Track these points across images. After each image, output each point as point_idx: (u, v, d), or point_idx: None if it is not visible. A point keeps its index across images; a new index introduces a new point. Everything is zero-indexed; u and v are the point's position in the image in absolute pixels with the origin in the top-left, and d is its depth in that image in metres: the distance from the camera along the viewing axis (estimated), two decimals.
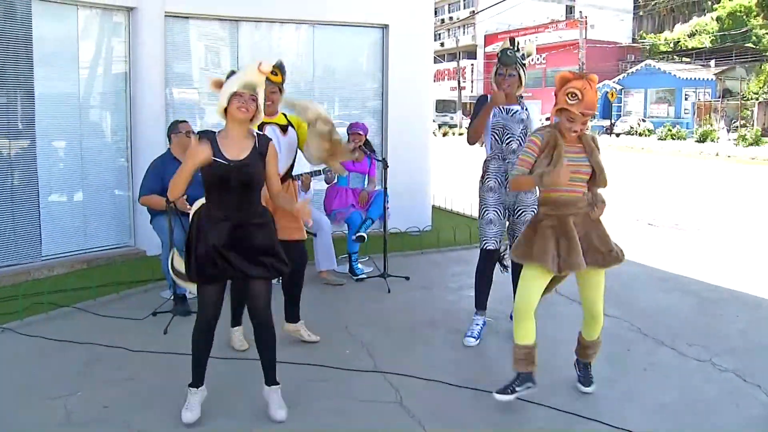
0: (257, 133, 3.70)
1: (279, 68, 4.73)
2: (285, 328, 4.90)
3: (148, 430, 3.71)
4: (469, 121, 5.15)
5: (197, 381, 3.79)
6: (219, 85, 3.63)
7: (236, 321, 4.87)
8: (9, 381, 4.31)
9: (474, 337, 5.01)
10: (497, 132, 4.96)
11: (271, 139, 3.78)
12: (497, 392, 3.91)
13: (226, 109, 3.56)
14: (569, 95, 3.74)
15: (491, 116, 4.94)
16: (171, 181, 3.65)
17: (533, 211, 4.74)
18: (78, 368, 4.49)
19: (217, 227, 3.59)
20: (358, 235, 6.58)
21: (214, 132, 3.63)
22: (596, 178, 3.89)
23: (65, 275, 6.70)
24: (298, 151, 4.94)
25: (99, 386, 4.22)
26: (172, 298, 5.61)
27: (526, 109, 5.03)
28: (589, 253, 3.86)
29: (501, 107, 4.94)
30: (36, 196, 6.80)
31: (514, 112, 4.96)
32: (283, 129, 4.82)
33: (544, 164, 3.78)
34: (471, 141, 5.15)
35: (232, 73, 3.63)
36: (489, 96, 5.01)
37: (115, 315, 5.55)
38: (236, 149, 3.57)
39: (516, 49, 4.92)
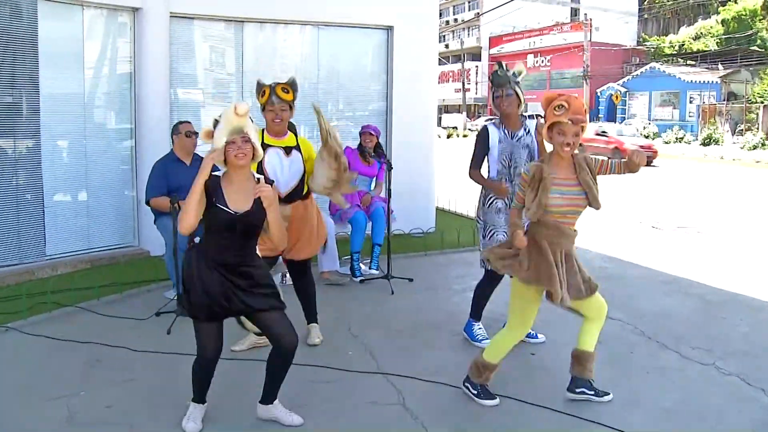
0: (258, 177, 3.61)
1: (290, 85, 4.71)
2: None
3: (150, 430, 3.71)
4: (472, 152, 5.07)
5: (200, 398, 3.78)
6: (210, 135, 3.55)
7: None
8: (12, 380, 4.32)
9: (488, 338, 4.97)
10: (504, 159, 4.91)
11: (272, 183, 3.68)
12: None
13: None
14: (556, 108, 3.75)
15: (498, 142, 4.90)
16: (180, 216, 3.55)
17: (505, 233, 4.80)
18: (81, 368, 4.50)
19: (214, 272, 3.51)
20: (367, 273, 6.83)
21: (218, 176, 3.56)
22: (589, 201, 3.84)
23: (69, 275, 6.70)
24: None
25: (102, 386, 4.23)
26: (175, 298, 5.61)
27: (530, 132, 4.94)
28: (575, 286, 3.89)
29: (506, 132, 4.89)
30: (40, 195, 6.82)
31: (519, 138, 4.89)
32: (287, 151, 4.80)
33: (530, 198, 3.78)
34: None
35: (216, 122, 3.54)
36: (488, 127, 4.96)
37: (118, 315, 5.56)
38: (240, 198, 3.51)
39: (506, 69, 4.87)
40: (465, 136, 41.37)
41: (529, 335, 5.12)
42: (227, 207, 3.47)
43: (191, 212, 3.42)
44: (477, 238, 5.41)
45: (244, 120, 3.48)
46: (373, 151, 6.85)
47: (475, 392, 4.08)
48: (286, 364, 3.68)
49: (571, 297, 3.82)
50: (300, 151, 4.84)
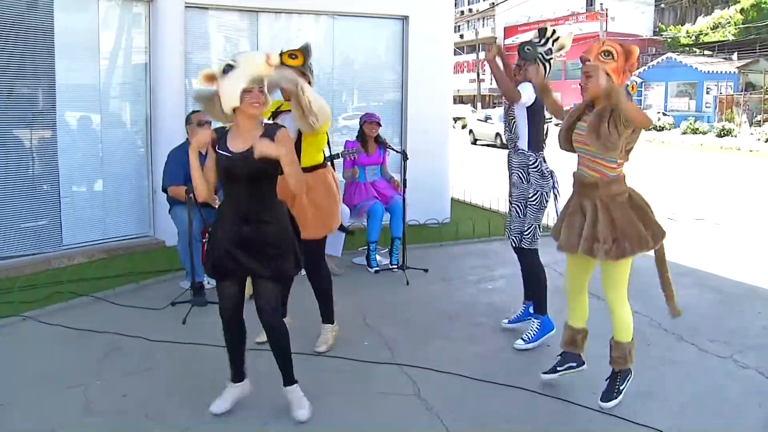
0: (266, 123, 3.59)
1: (300, 51, 4.58)
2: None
3: (166, 419, 3.72)
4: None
5: (233, 376, 3.77)
6: (211, 78, 3.45)
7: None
8: (30, 369, 4.35)
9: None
10: (504, 123, 4.96)
11: (282, 126, 3.56)
12: (543, 372, 4.09)
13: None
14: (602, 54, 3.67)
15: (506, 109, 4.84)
16: (193, 184, 3.59)
17: (517, 207, 4.80)
18: (97, 357, 4.52)
19: (226, 224, 3.54)
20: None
21: (226, 128, 3.57)
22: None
23: (85, 265, 6.74)
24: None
25: (118, 375, 4.25)
26: (191, 288, 5.63)
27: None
28: (586, 240, 3.75)
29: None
30: (57, 186, 6.85)
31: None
32: None
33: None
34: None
35: (229, 66, 3.41)
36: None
37: (133, 305, 5.58)
38: (242, 141, 3.46)
39: (544, 41, 4.67)
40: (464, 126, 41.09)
41: (511, 320, 5.15)
42: (227, 150, 3.48)
43: (199, 186, 3.55)
44: (492, 229, 5.36)
45: (269, 71, 3.46)
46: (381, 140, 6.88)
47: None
48: (273, 344, 3.65)
49: (580, 249, 3.75)
50: None
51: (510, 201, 4.93)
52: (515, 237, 4.88)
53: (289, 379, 3.75)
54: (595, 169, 3.76)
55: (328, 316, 4.79)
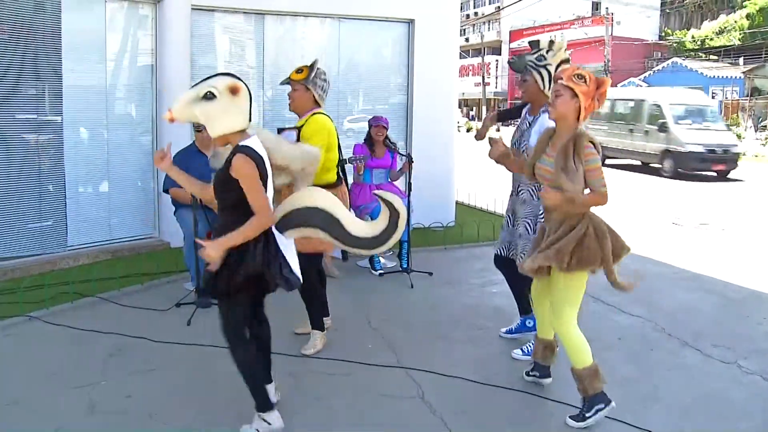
0: (238, 144, 3.32)
1: (307, 66, 4.64)
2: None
3: (170, 420, 3.73)
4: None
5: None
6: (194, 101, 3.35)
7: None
8: (35, 369, 4.36)
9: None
10: (515, 142, 4.76)
11: (238, 152, 3.25)
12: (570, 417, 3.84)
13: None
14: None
15: (516, 129, 4.79)
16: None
17: (526, 224, 4.65)
18: (102, 358, 4.53)
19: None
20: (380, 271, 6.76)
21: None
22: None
23: (90, 265, 6.75)
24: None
25: (122, 376, 4.26)
26: (195, 290, 5.65)
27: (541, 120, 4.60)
28: (542, 251, 3.75)
29: (527, 116, 4.72)
30: (62, 186, 6.87)
31: (531, 123, 4.67)
32: (298, 131, 4.66)
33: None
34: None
35: (211, 94, 3.28)
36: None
37: (138, 306, 5.60)
38: (218, 161, 3.43)
39: (536, 50, 4.59)
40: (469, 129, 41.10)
41: (509, 330, 5.08)
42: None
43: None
44: (497, 232, 5.32)
45: (178, 118, 3.32)
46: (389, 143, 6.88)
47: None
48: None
49: (535, 263, 3.74)
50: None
51: (515, 218, 4.77)
52: (520, 253, 4.65)
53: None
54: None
55: (313, 322, 4.75)
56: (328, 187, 4.40)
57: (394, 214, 3.63)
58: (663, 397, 4.11)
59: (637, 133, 18.97)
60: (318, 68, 4.71)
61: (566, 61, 4.55)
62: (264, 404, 3.51)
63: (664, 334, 5.18)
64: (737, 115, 35.13)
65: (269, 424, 3.49)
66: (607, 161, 19.28)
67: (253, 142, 3.32)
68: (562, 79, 3.67)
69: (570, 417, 3.78)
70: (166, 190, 6.00)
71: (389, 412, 3.89)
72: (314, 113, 4.71)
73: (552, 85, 3.81)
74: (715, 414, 3.92)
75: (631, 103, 19.78)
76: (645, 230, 9.33)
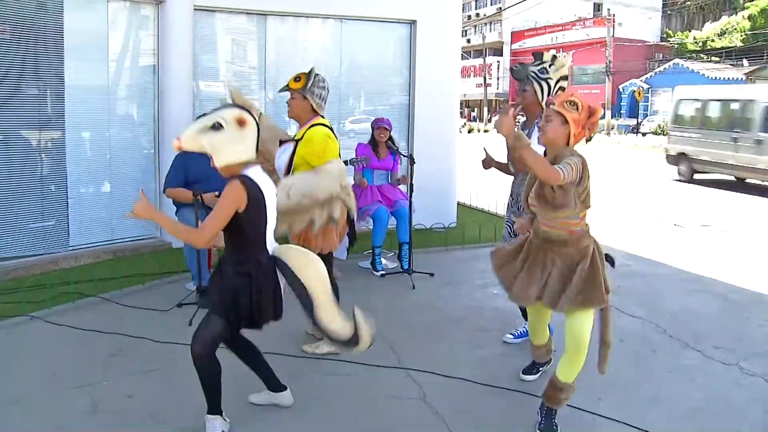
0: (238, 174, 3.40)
1: (304, 74, 4.65)
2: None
3: (172, 420, 3.74)
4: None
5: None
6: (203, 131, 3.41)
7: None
8: (37, 368, 4.37)
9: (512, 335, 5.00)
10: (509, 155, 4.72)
11: (235, 178, 3.31)
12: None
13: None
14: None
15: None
16: None
17: None
18: (103, 358, 4.54)
19: None
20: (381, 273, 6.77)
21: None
22: None
23: (92, 265, 6.76)
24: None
25: (124, 376, 4.26)
26: (196, 290, 5.65)
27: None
28: (551, 293, 3.63)
29: (522, 129, 4.68)
30: (64, 186, 6.88)
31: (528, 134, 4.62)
32: (297, 141, 4.66)
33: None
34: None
35: (218, 125, 3.36)
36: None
37: (140, 306, 5.61)
38: None
39: (539, 62, 4.62)
40: (486, 131, 41.19)
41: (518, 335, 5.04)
42: None
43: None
44: (499, 233, 5.31)
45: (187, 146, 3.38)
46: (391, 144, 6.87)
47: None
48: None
49: (545, 302, 3.63)
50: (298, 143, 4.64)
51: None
52: None
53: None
54: (561, 228, 3.60)
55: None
56: None
57: (356, 338, 3.48)
58: (664, 398, 4.11)
59: (743, 143, 14.52)
60: (316, 75, 4.68)
61: (565, 78, 4.60)
62: (213, 407, 3.58)
63: (665, 335, 5.18)
64: None
65: (213, 427, 3.55)
66: (696, 176, 16.28)
67: (254, 172, 3.36)
68: (554, 104, 3.63)
69: (538, 427, 3.72)
70: (164, 191, 6.00)
71: (391, 413, 3.89)
72: (312, 124, 4.64)
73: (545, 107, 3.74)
74: (716, 415, 3.92)
75: (735, 105, 15.34)
76: (646, 231, 9.34)
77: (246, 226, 3.34)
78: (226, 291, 3.42)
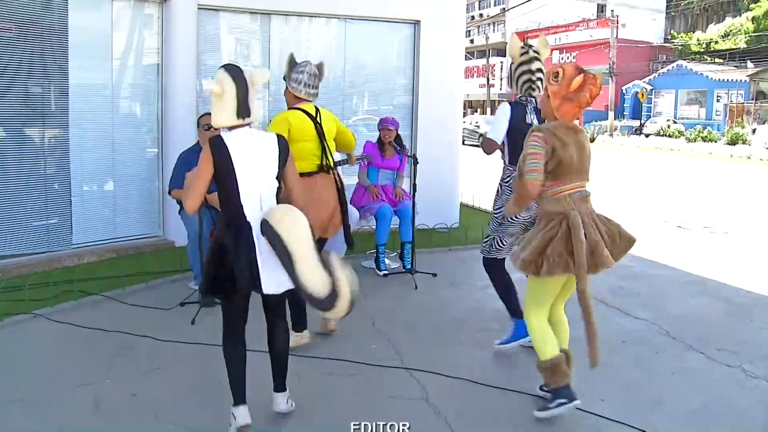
0: None
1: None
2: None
3: (175, 419, 3.74)
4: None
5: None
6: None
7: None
8: (39, 366, 4.38)
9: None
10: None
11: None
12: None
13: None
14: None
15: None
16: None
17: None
18: (107, 356, 4.54)
19: None
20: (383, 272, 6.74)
21: None
22: None
23: (95, 264, 6.77)
24: None
25: (127, 374, 4.27)
26: (199, 289, 5.64)
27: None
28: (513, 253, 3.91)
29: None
30: (68, 185, 6.89)
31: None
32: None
33: None
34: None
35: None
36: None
37: (143, 304, 5.61)
38: None
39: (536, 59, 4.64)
40: None
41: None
42: None
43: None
44: None
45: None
46: (397, 144, 6.87)
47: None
48: None
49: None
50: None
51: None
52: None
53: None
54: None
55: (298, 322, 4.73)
56: (302, 176, 4.39)
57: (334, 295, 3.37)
58: (667, 400, 4.10)
59: None
60: (292, 62, 4.81)
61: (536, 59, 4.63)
62: (234, 399, 3.55)
63: (668, 337, 5.17)
64: (742, 119, 35.09)
65: (234, 418, 3.53)
66: None
67: (234, 135, 3.44)
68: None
69: (536, 409, 3.81)
70: (170, 192, 6.00)
71: (393, 413, 3.88)
72: (290, 109, 4.78)
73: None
74: (719, 418, 3.91)
75: None
76: (649, 233, 9.32)
77: (219, 189, 3.46)
78: (205, 263, 3.57)
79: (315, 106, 4.85)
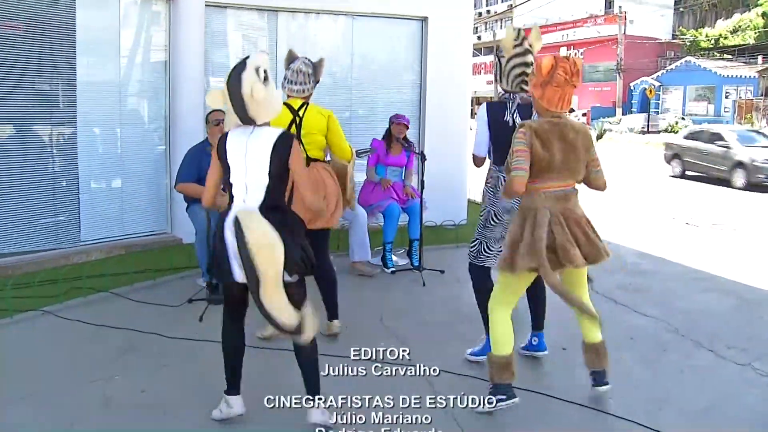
0: None
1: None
2: None
3: (184, 415, 3.75)
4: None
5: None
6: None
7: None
8: (49, 363, 4.39)
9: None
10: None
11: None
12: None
13: None
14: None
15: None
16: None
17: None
18: (115, 353, 4.55)
19: None
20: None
21: None
22: None
23: (103, 261, 6.79)
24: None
25: (136, 371, 4.28)
26: (207, 286, 5.66)
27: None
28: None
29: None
30: (76, 182, 6.90)
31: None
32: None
33: None
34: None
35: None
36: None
37: (151, 301, 5.62)
38: None
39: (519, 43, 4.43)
40: None
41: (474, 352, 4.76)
42: None
43: None
44: None
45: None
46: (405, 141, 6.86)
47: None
48: None
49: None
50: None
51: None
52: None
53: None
54: None
55: (331, 311, 4.95)
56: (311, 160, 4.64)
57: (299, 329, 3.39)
58: (676, 398, 4.09)
59: None
60: (293, 58, 4.93)
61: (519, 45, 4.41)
62: (227, 386, 3.68)
63: (677, 335, 5.15)
64: (751, 115, 34.92)
65: (230, 407, 3.67)
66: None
67: (235, 131, 3.57)
68: None
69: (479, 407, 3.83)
70: (175, 186, 6.01)
71: (400, 410, 3.87)
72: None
73: None
74: (728, 416, 3.89)
75: None
76: (658, 230, 9.30)
77: (224, 183, 3.62)
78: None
79: (307, 102, 4.81)
